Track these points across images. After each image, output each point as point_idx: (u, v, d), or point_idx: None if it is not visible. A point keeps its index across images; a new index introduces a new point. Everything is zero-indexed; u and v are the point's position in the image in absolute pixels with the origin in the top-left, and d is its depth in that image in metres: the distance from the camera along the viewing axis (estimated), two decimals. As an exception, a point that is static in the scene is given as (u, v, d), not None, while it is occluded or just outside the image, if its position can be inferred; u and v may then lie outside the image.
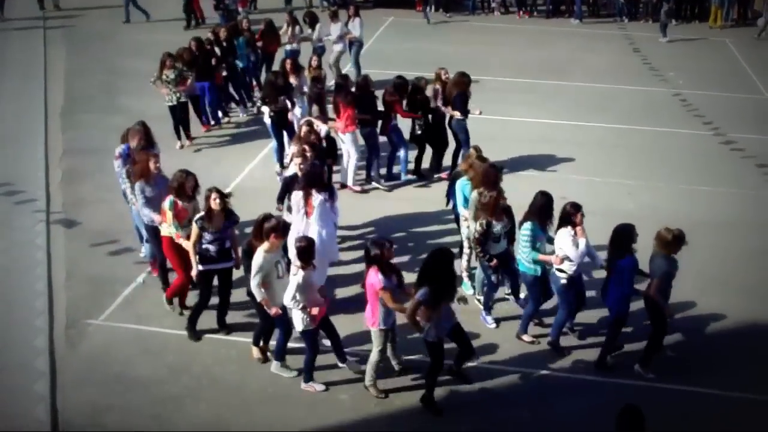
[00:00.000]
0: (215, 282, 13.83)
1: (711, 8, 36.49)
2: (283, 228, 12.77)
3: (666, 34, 34.04)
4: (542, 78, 22.87)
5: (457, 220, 15.81)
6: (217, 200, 13.12)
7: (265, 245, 12.29)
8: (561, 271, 13.23)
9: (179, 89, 20.12)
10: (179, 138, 20.93)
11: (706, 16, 36.76)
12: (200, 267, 13.37)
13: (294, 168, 15.20)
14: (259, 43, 24.78)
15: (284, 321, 12.74)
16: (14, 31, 31.02)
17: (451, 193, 15.73)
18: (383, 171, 20.19)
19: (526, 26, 35.28)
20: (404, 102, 19.65)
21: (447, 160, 20.25)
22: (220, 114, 23.00)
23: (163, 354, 13.73)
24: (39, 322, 14.39)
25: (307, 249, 12.25)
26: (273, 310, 12.45)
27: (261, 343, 13.41)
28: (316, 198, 14.23)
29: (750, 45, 33.80)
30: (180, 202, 13.59)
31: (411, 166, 20.32)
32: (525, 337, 14.03)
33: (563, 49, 31.12)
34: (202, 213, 13.29)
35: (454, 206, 15.63)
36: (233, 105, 23.86)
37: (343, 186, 19.39)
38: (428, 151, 20.37)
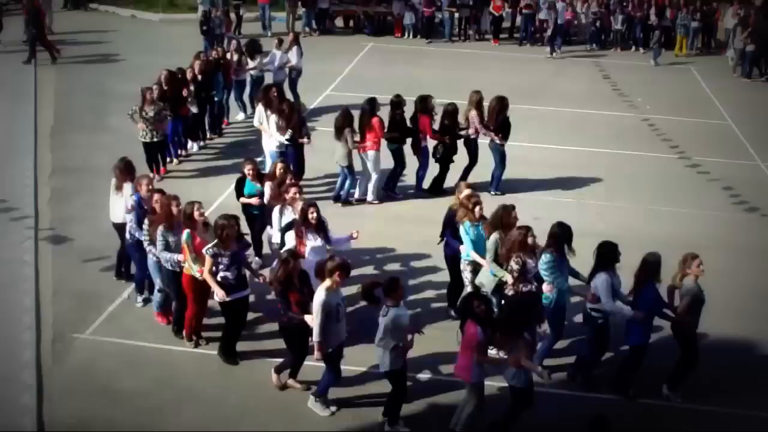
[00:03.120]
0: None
1: (677, 38, 36.64)
2: (346, 267, 12.28)
3: (657, 59, 34.81)
4: (516, 102, 22.82)
5: (453, 262, 15.15)
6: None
7: (327, 283, 12.02)
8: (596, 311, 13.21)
9: (155, 128, 19.58)
10: (153, 170, 20.06)
11: (672, 45, 36.90)
12: (227, 298, 13.03)
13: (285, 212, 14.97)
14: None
15: (334, 364, 12.50)
16: (6, 54, 30.87)
17: (448, 234, 15.14)
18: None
19: (500, 53, 35.30)
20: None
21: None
22: (190, 144, 22.59)
23: (146, 367, 13.66)
24: (26, 336, 14.30)
25: (391, 285, 11.94)
26: (319, 355, 12.13)
27: (287, 377, 13.14)
28: (310, 241, 14.06)
29: (713, 73, 33.95)
30: (197, 236, 13.39)
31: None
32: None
33: (536, 74, 31.20)
34: (212, 243, 13.09)
35: (449, 246, 15.17)
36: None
37: (361, 200, 19.97)
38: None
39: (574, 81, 31.38)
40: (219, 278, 12.94)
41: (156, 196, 14.00)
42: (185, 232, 13.34)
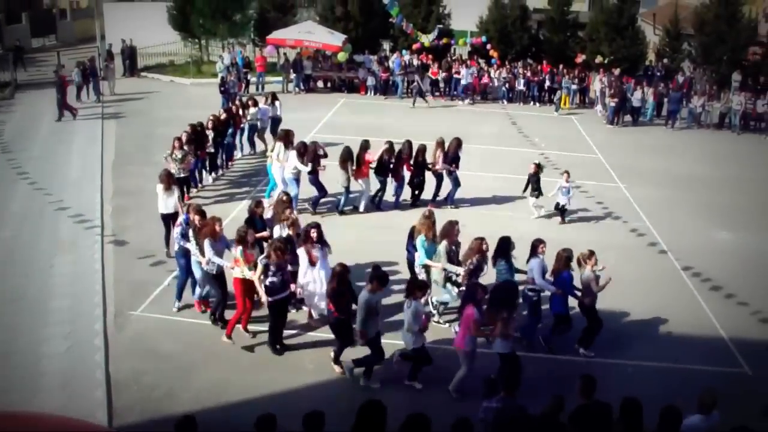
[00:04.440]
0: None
1: (562, 95, 36.69)
2: (385, 277, 12.29)
3: (558, 110, 35.28)
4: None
5: (411, 265, 15.03)
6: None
7: (369, 286, 11.99)
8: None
9: (182, 167, 19.26)
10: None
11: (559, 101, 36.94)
12: (269, 299, 12.81)
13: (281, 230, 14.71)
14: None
15: (377, 347, 12.33)
16: (82, 109, 30.44)
17: (410, 245, 15.02)
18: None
19: (436, 106, 35.18)
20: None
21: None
22: (206, 176, 22.20)
23: (181, 335, 13.73)
24: (97, 311, 14.37)
25: (411, 284, 12.23)
26: (362, 341, 12.17)
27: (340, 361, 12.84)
28: (317, 250, 13.95)
29: (587, 121, 34.08)
30: (247, 251, 13.24)
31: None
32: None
33: (463, 121, 31.08)
34: (263, 255, 13.11)
35: (409, 253, 15.07)
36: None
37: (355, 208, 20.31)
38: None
39: (490, 126, 31.38)
40: (268, 283, 12.69)
41: (198, 218, 13.98)
42: (238, 249, 13.18)
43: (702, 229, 20.78)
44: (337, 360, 12.73)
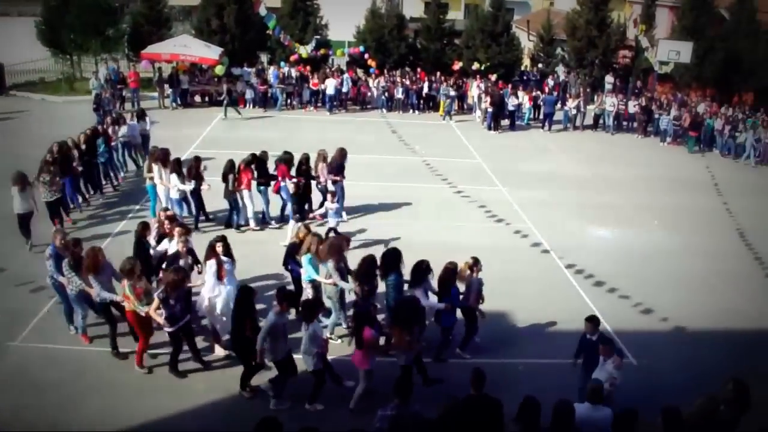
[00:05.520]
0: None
1: (440, 102, 37.29)
2: (294, 299, 12.37)
3: (446, 118, 35.89)
4: (331, 152, 22.75)
5: (297, 282, 14.75)
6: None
7: (277, 308, 11.73)
8: None
9: (52, 189, 18.56)
10: (54, 223, 18.68)
11: (437, 108, 37.52)
12: (172, 329, 12.50)
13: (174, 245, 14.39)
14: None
15: (289, 366, 12.15)
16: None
17: (290, 263, 14.85)
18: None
19: (316, 117, 35.17)
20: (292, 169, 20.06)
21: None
22: (79, 199, 21.04)
23: (66, 364, 13.14)
24: None
25: (310, 306, 12.01)
26: (260, 359, 11.87)
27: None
28: (226, 263, 13.72)
29: (467, 127, 34.78)
30: (136, 285, 12.65)
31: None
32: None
33: (343, 131, 30.99)
34: (160, 290, 12.58)
35: (294, 272, 14.83)
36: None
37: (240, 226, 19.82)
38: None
39: (370, 135, 31.52)
40: (167, 314, 12.36)
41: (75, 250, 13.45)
42: (127, 285, 12.60)
43: (582, 227, 21.56)
44: (245, 384, 12.44)
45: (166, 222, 15.20)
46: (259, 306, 13.31)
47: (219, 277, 13.50)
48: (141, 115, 25.45)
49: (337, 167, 20.62)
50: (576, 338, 12.38)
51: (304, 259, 14.24)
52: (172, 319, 12.44)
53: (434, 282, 13.76)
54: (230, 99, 33.73)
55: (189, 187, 19.12)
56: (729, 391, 9.17)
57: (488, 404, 9.50)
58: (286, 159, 19.90)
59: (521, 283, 17.09)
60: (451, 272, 13.54)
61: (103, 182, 22.61)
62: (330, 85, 36.16)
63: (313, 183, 20.48)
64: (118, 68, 36.27)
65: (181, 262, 13.79)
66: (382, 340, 12.87)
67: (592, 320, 12.02)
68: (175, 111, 34.74)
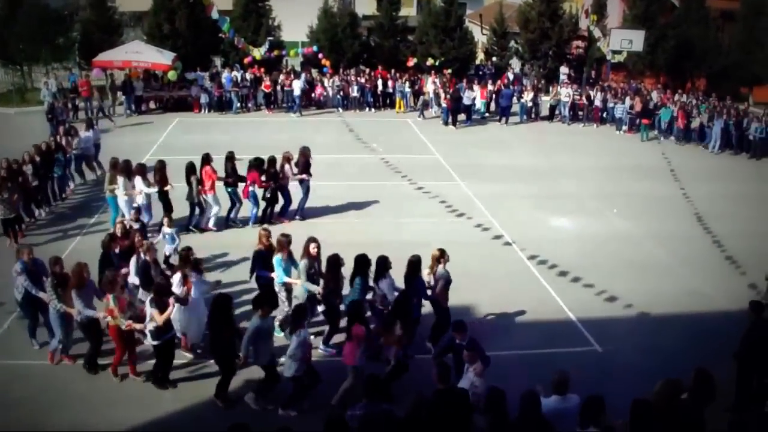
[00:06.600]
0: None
1: (396, 99, 37.47)
2: (270, 303, 12.28)
3: (422, 116, 35.98)
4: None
5: (267, 288, 14.34)
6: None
7: (259, 312, 11.67)
8: None
9: (7, 207, 18.37)
10: (12, 237, 18.75)
11: (393, 105, 37.75)
12: (156, 342, 12.29)
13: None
14: None
15: (273, 371, 12.13)
16: None
17: (258, 269, 14.54)
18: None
19: (273, 119, 35.09)
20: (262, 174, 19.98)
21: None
22: (38, 212, 20.89)
23: (31, 379, 12.94)
24: None
25: (298, 313, 11.86)
26: (241, 362, 11.97)
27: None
28: (193, 278, 13.54)
29: (424, 123, 35.05)
30: (120, 296, 12.48)
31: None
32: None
33: (300, 132, 30.73)
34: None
35: (262, 278, 14.52)
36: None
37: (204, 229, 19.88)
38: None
39: (328, 135, 31.44)
40: (152, 328, 12.17)
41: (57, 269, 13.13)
42: (111, 297, 12.37)
43: (542, 218, 21.79)
44: (220, 393, 12.29)
45: (138, 235, 15.04)
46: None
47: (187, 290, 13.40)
48: (90, 124, 25.24)
49: (303, 166, 20.74)
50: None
51: (275, 262, 14.17)
52: (157, 334, 12.28)
53: (396, 278, 13.77)
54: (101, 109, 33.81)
55: (153, 190, 19.05)
56: (691, 380, 9.26)
57: (456, 397, 9.62)
58: (256, 164, 19.85)
59: (484, 277, 17.24)
60: (414, 265, 13.58)
61: (58, 195, 22.39)
62: (296, 86, 36.15)
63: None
64: (80, 76, 35.86)
65: (153, 273, 13.76)
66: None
67: (460, 328, 11.65)
68: (129, 118, 34.42)
